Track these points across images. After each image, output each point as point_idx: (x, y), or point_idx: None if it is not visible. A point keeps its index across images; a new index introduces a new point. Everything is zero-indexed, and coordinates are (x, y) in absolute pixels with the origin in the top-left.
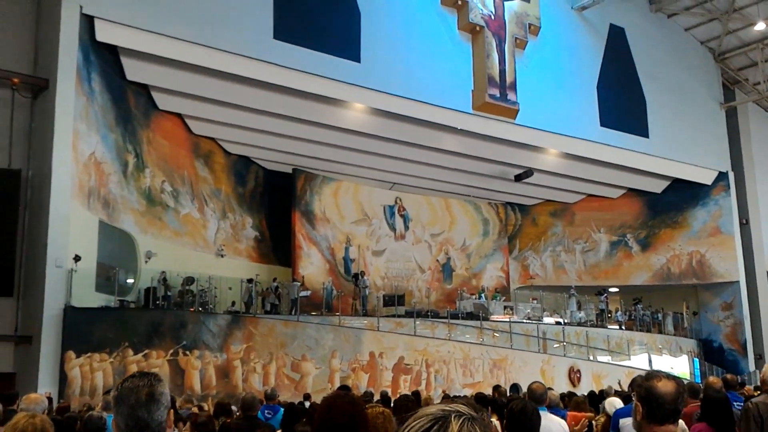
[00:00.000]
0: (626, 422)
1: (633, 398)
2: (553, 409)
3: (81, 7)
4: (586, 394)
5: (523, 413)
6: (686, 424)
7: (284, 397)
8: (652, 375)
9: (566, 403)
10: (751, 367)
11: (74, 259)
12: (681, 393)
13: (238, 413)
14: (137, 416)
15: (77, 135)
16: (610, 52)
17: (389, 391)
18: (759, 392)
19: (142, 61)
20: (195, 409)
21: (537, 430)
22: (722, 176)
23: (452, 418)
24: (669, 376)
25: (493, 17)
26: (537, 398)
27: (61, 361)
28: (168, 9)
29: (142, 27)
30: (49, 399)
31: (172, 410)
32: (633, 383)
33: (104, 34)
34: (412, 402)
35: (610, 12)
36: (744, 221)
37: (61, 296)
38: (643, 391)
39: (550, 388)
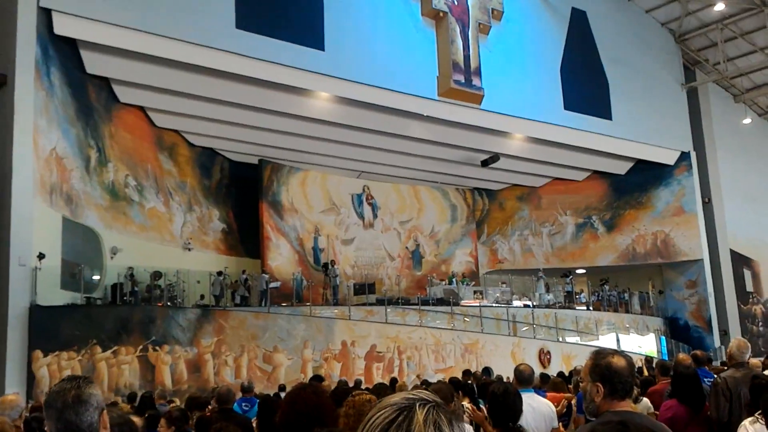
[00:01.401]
0: None
1: (584, 382)
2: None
3: (38, 0)
4: (555, 374)
5: (505, 395)
6: (657, 401)
7: (257, 389)
8: (604, 353)
9: (542, 385)
10: (717, 343)
11: (38, 256)
12: (633, 366)
13: (211, 406)
14: (66, 419)
15: (37, 130)
16: (572, 36)
17: (362, 379)
18: (726, 367)
19: (102, 53)
20: (172, 405)
21: (520, 412)
22: (684, 156)
23: (417, 407)
24: (617, 352)
25: (456, 3)
26: (525, 379)
27: (28, 360)
28: (127, 0)
29: (100, 19)
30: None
31: (105, 411)
32: (586, 367)
33: (62, 27)
34: (389, 388)
35: None
36: (707, 200)
37: (26, 295)
38: (603, 369)
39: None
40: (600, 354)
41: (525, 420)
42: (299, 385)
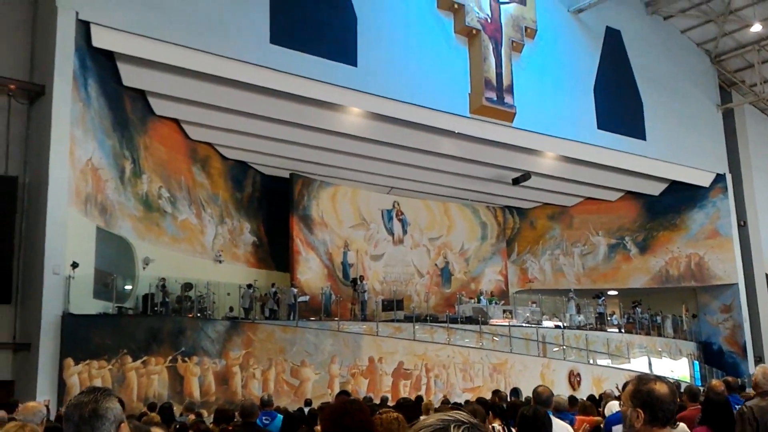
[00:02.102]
0: (619, 429)
1: (625, 406)
2: (561, 413)
3: (77, 13)
4: (585, 397)
5: (536, 418)
6: (689, 427)
7: (284, 403)
8: (647, 379)
9: (571, 407)
10: (751, 369)
11: (72, 265)
12: (675, 393)
13: (235, 420)
14: None
15: (74, 141)
16: (606, 55)
17: (389, 396)
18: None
19: (139, 66)
20: (191, 417)
21: None
22: (720, 178)
23: (452, 428)
24: (660, 378)
25: (489, 20)
26: (543, 401)
27: (59, 368)
28: (164, 14)
29: (138, 32)
30: (47, 407)
31: (124, 423)
32: (627, 392)
33: (100, 39)
34: (413, 403)
35: (607, 14)
36: (742, 223)
37: (59, 303)
38: (645, 395)
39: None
40: (642, 380)
41: None
42: (345, 399)
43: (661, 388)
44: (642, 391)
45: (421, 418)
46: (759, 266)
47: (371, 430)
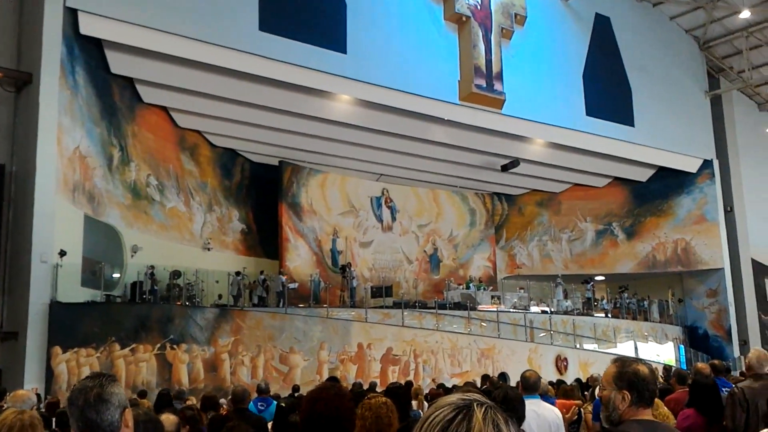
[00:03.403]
0: None
1: (606, 390)
2: (543, 396)
3: (64, 1)
4: (573, 381)
5: (506, 401)
6: (674, 409)
7: (273, 389)
8: (629, 361)
9: (556, 392)
10: (736, 353)
11: (59, 254)
12: (654, 374)
13: (225, 406)
14: (87, 417)
15: (61, 129)
16: (595, 42)
17: (378, 381)
18: (745, 378)
19: (127, 54)
20: (188, 402)
21: (522, 418)
22: (707, 164)
23: (475, 406)
24: (639, 360)
25: (479, 7)
26: (530, 386)
27: (47, 356)
28: (153, 1)
29: (126, 20)
30: (38, 395)
31: (128, 409)
32: (609, 375)
33: (88, 27)
34: (402, 387)
35: (596, 1)
36: (728, 209)
37: (47, 291)
38: (631, 376)
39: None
40: (625, 362)
41: (529, 426)
42: (322, 385)
43: (644, 369)
44: (628, 372)
45: (420, 404)
46: (744, 251)
47: (347, 416)
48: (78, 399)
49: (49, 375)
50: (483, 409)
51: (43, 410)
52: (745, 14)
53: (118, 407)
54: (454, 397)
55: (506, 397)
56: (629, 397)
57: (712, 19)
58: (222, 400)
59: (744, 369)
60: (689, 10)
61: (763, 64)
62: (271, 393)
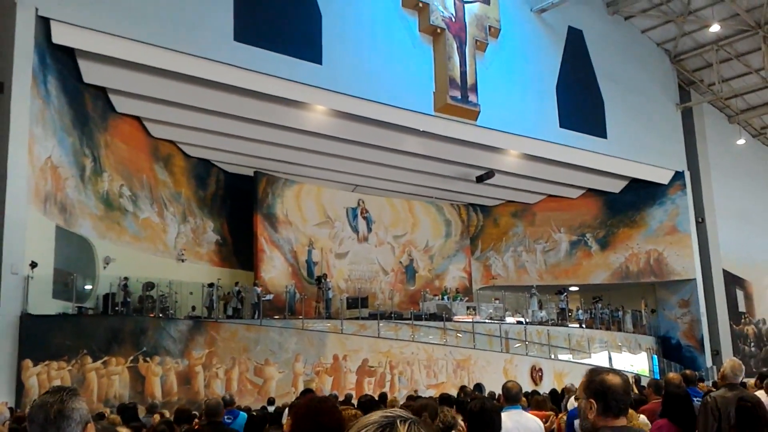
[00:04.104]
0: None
1: (580, 399)
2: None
3: (37, 9)
4: (547, 392)
5: (482, 412)
6: (650, 419)
7: (248, 402)
8: (602, 370)
9: (528, 403)
10: (708, 363)
11: (30, 265)
12: (629, 385)
13: (198, 419)
14: None
15: (33, 139)
16: (568, 54)
17: (354, 393)
18: (716, 387)
19: (100, 63)
20: (157, 417)
21: (499, 429)
22: (678, 176)
23: (398, 423)
24: (614, 371)
25: (453, 19)
26: (512, 397)
27: (17, 369)
28: (126, 11)
29: (99, 29)
30: (10, 409)
31: (90, 424)
32: (581, 384)
33: (61, 36)
34: (374, 400)
35: (569, 14)
36: (700, 220)
37: (18, 303)
38: (597, 385)
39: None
40: (595, 371)
41: None
42: (319, 398)
43: (614, 379)
44: (594, 381)
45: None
46: (716, 262)
47: (344, 429)
48: (38, 416)
49: (20, 388)
50: (407, 425)
51: (13, 424)
52: (715, 28)
53: (79, 423)
54: (375, 416)
55: (483, 408)
56: (595, 405)
57: (683, 33)
58: (196, 413)
59: (717, 379)
60: (660, 24)
61: (733, 77)
62: (244, 405)
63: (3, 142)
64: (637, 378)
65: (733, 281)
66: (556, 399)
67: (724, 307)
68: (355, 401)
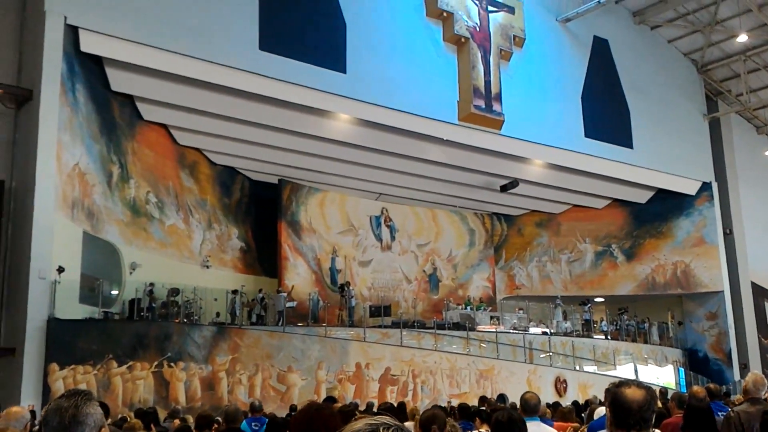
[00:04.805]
0: None
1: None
2: (541, 419)
3: (65, 18)
4: (570, 404)
5: (510, 423)
6: None
7: (270, 408)
8: (623, 382)
9: (553, 414)
10: (737, 376)
11: (58, 270)
12: (649, 402)
13: (217, 425)
14: None
15: (61, 146)
16: (594, 64)
17: (375, 401)
18: (742, 401)
19: (127, 71)
20: (176, 422)
21: None
22: (706, 186)
23: (381, 429)
24: (640, 385)
25: (478, 29)
26: (530, 408)
27: (44, 373)
28: (153, 20)
29: (126, 38)
30: (33, 412)
31: (104, 428)
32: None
33: (89, 44)
34: (393, 408)
35: (594, 24)
36: (728, 231)
37: (45, 308)
38: (610, 397)
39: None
40: (618, 383)
41: None
42: (317, 405)
43: (632, 394)
44: (610, 391)
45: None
46: (744, 274)
47: None
48: (52, 420)
49: (46, 392)
50: (390, 431)
51: (37, 427)
52: (743, 38)
53: (93, 428)
54: (360, 424)
55: (511, 418)
56: (610, 416)
57: (710, 43)
58: (218, 418)
59: (741, 393)
60: (687, 34)
61: (761, 88)
62: (269, 412)
63: (32, 149)
64: (664, 391)
65: (761, 294)
66: (580, 411)
67: (752, 320)
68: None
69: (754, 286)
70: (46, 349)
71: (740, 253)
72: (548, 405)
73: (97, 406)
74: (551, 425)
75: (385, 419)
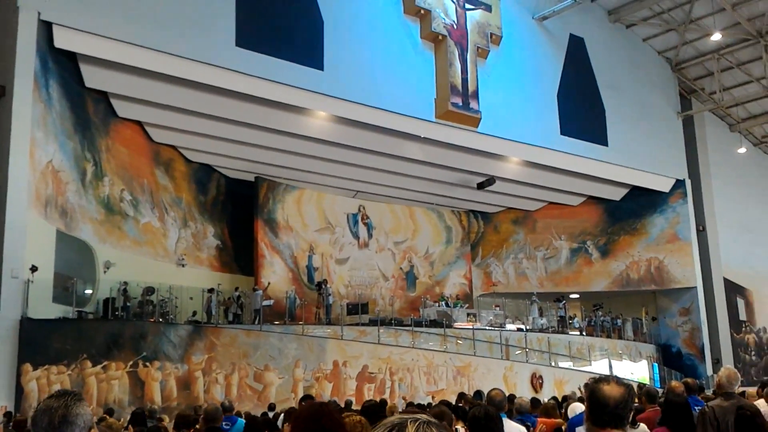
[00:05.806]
0: (581, 430)
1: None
2: (523, 415)
3: (39, 14)
4: (550, 399)
5: (487, 419)
6: (649, 427)
7: (247, 407)
8: (602, 378)
9: (534, 409)
10: (709, 371)
11: (31, 269)
12: (626, 399)
13: (198, 425)
14: None
15: (34, 143)
16: (570, 62)
17: (353, 399)
18: (716, 396)
19: (102, 68)
20: (164, 422)
21: None
22: (679, 184)
23: (408, 423)
24: (620, 381)
25: (455, 27)
26: (496, 405)
27: (17, 373)
28: (128, 15)
29: (101, 33)
30: (9, 413)
31: (93, 429)
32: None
33: (62, 40)
34: (377, 405)
35: (570, 22)
36: (701, 228)
37: (18, 307)
38: (588, 392)
39: (512, 395)
40: (597, 378)
41: None
42: (320, 402)
43: (609, 391)
44: (588, 387)
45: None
46: (717, 270)
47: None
48: (42, 420)
49: (19, 392)
50: (416, 424)
51: (11, 429)
52: (716, 37)
53: (83, 428)
54: (393, 417)
55: (487, 414)
56: (587, 412)
57: (684, 42)
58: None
59: (715, 388)
60: (662, 32)
61: (734, 86)
62: (244, 411)
63: (4, 146)
64: (641, 386)
65: (733, 290)
66: (559, 406)
67: (724, 316)
68: (355, 407)
69: (726, 282)
70: (19, 350)
71: (713, 249)
72: (533, 401)
73: (86, 406)
74: (534, 421)
75: (417, 414)
